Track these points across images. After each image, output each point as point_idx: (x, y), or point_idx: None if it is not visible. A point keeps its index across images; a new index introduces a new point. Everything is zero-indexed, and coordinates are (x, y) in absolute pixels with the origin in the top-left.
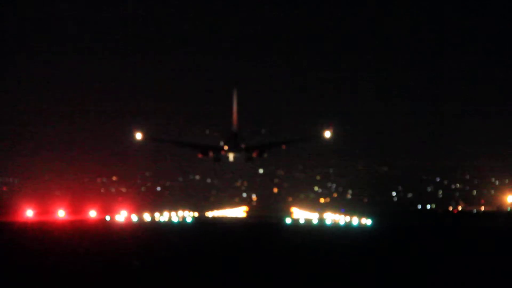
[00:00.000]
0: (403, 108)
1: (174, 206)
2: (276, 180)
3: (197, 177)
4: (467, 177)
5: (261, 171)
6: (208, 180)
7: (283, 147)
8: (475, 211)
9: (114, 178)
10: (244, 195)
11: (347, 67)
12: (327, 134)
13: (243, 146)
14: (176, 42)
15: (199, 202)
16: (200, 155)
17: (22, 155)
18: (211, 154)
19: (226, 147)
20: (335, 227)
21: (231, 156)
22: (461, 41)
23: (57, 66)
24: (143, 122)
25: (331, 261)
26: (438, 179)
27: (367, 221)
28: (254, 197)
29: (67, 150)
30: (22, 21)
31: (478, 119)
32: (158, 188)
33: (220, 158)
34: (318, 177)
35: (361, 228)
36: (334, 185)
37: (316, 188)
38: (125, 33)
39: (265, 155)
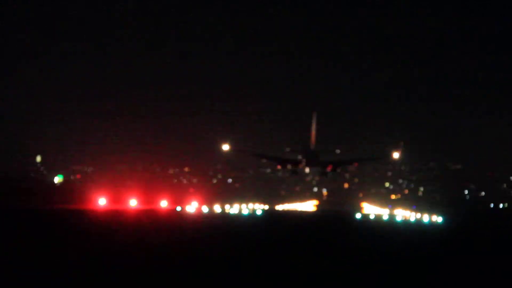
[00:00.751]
0: (477, 107)
1: (244, 198)
2: (347, 176)
3: (268, 170)
4: None
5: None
6: (279, 174)
7: (355, 164)
8: None
9: (186, 169)
10: (315, 189)
11: (411, 72)
12: (396, 155)
13: (319, 162)
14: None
15: (270, 195)
16: (279, 167)
17: (96, 144)
18: (289, 167)
19: (304, 162)
20: (406, 223)
21: (307, 170)
22: None
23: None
24: (221, 129)
25: (399, 257)
26: (511, 178)
27: (438, 219)
28: (324, 191)
29: (140, 141)
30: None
31: None
32: (229, 180)
33: (297, 171)
34: (389, 173)
35: (432, 225)
36: (405, 182)
37: (387, 184)
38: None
39: (338, 171)
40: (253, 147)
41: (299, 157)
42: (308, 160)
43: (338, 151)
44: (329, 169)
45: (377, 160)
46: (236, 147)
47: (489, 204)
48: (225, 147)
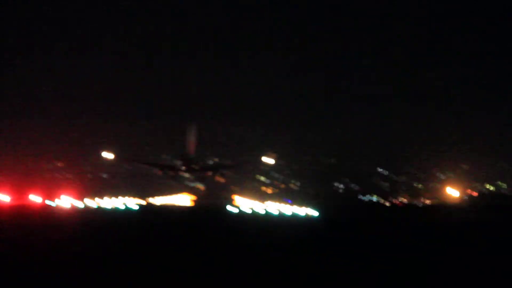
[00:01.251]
0: (350, 100)
1: (119, 192)
2: (224, 171)
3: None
4: (412, 170)
5: (211, 162)
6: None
7: (232, 170)
8: (420, 204)
9: (59, 164)
10: (192, 184)
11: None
12: (270, 160)
13: (197, 168)
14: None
15: (145, 189)
16: (159, 173)
17: None
18: (170, 173)
19: (183, 168)
20: (281, 217)
21: (186, 175)
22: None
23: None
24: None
25: (273, 250)
26: (383, 171)
27: (313, 212)
28: (201, 186)
29: (12, 135)
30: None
31: (423, 113)
32: (104, 175)
33: (177, 177)
34: (264, 167)
35: (307, 218)
36: (280, 176)
37: (262, 178)
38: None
39: (217, 175)
40: (132, 152)
41: (179, 163)
42: (187, 167)
43: (216, 159)
44: (207, 175)
45: (252, 164)
46: (120, 156)
47: (362, 197)
48: (109, 155)
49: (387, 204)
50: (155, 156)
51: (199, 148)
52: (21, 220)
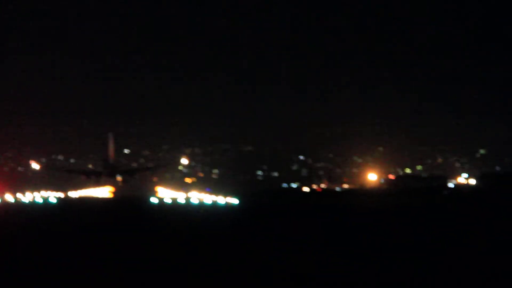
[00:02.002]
0: (268, 88)
1: (37, 186)
2: (142, 160)
3: (60, 157)
4: (331, 155)
5: (126, 151)
6: (72, 160)
7: (150, 171)
8: (338, 189)
9: None
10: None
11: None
12: (184, 161)
13: (116, 172)
14: None
15: (63, 182)
16: (83, 177)
17: None
18: (93, 177)
19: (105, 173)
20: (201, 205)
21: (108, 179)
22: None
23: None
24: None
25: (197, 240)
26: (302, 158)
27: (233, 200)
28: (119, 177)
29: None
30: None
31: (343, 97)
32: (20, 168)
33: (100, 180)
34: (184, 156)
35: (228, 207)
36: (199, 165)
37: (181, 168)
38: None
39: (135, 177)
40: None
41: (101, 169)
42: (108, 171)
43: (134, 164)
44: (127, 176)
45: (168, 166)
46: (46, 165)
47: (282, 184)
48: (35, 165)
49: (307, 189)
50: (78, 163)
51: (119, 154)
52: None
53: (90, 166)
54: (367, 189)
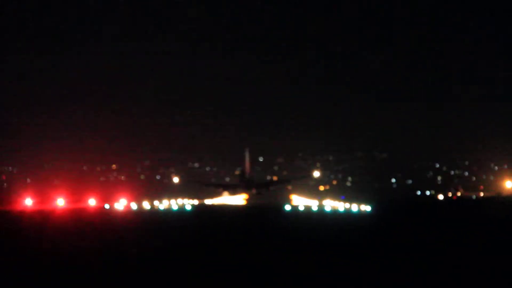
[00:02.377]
0: (402, 95)
1: (173, 194)
2: (275, 168)
3: (196, 165)
4: (466, 163)
5: (261, 159)
6: (207, 168)
7: (283, 185)
8: (474, 197)
9: (113, 167)
10: (238, 169)
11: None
12: (316, 173)
13: (253, 186)
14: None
15: (199, 190)
16: (221, 190)
17: (21, 144)
18: (230, 190)
19: (242, 186)
20: (335, 213)
21: (245, 192)
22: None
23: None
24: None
25: (331, 247)
26: (437, 165)
27: (367, 208)
28: (254, 190)
29: (66, 139)
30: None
31: (478, 105)
32: (158, 177)
33: (236, 192)
34: (318, 165)
35: (361, 214)
36: (333, 173)
37: (315, 176)
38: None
39: (272, 189)
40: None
41: (238, 182)
42: (244, 184)
43: (269, 177)
44: (262, 189)
45: (302, 179)
46: (187, 179)
47: (416, 192)
48: (176, 179)
49: (442, 197)
50: (217, 178)
51: (254, 168)
52: (77, 223)
53: (227, 179)
54: (503, 196)
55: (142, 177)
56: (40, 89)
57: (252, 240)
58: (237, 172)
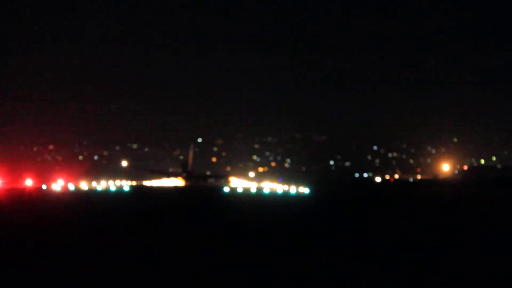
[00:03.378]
0: (341, 78)
1: (111, 175)
2: (215, 149)
3: (135, 146)
4: (404, 146)
5: (200, 140)
6: (146, 149)
7: (222, 179)
8: (411, 179)
9: (50, 147)
10: (181, 158)
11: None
12: (251, 174)
13: (193, 176)
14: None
15: (136, 172)
16: (163, 177)
17: None
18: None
19: (183, 175)
20: (273, 195)
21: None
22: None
23: None
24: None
25: (270, 229)
26: (375, 148)
27: (305, 190)
28: (186, 164)
29: (3, 119)
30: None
31: (414, 87)
32: (96, 157)
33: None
34: (256, 146)
35: (299, 196)
36: (272, 154)
37: (254, 157)
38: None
39: (209, 181)
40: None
41: (180, 172)
42: (186, 176)
43: (208, 172)
44: (201, 182)
45: (240, 174)
46: (134, 166)
47: (354, 174)
48: (124, 163)
49: (379, 179)
50: (156, 161)
51: (196, 160)
52: (14, 204)
53: (171, 169)
54: (440, 179)
55: (80, 157)
56: None
57: (191, 221)
58: (180, 158)
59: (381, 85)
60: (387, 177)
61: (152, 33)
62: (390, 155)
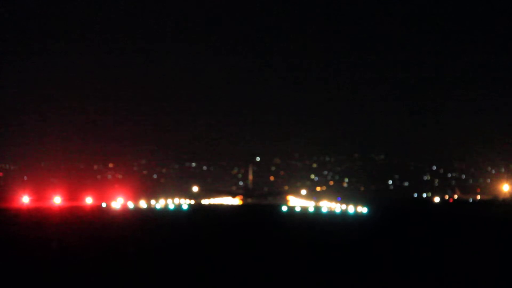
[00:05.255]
0: (401, 98)
1: (170, 193)
2: (273, 168)
3: (193, 164)
4: (464, 166)
5: (258, 159)
6: (204, 168)
7: (280, 195)
8: (471, 200)
9: (110, 165)
10: (241, 183)
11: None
12: (303, 192)
13: (253, 195)
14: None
15: (195, 190)
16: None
17: (18, 142)
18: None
19: (244, 194)
20: (331, 215)
21: (248, 200)
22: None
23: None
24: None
25: (327, 249)
26: (434, 168)
27: (363, 209)
28: (247, 184)
29: (64, 137)
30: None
31: (475, 109)
32: (155, 176)
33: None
34: (314, 165)
35: (357, 216)
36: (330, 174)
37: (312, 176)
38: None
39: (269, 199)
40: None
41: (241, 191)
42: (246, 193)
43: (266, 188)
44: (261, 199)
45: (295, 193)
46: (205, 189)
47: (413, 194)
48: (195, 188)
49: (438, 200)
50: (214, 178)
51: (254, 178)
52: (74, 221)
53: (233, 188)
54: (500, 200)
55: (139, 176)
56: (39, 88)
57: (250, 240)
58: (239, 176)
59: (443, 108)
60: (446, 197)
61: (220, 54)
62: (449, 175)
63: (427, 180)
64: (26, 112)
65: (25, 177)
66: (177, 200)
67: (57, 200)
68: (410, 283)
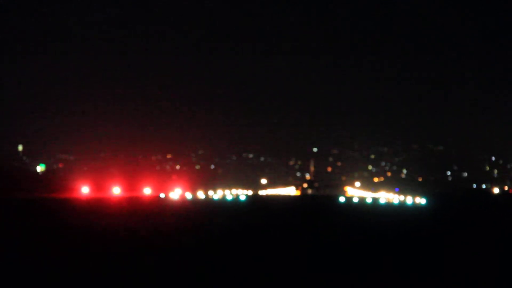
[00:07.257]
0: (458, 89)
1: (227, 184)
2: (330, 159)
3: (251, 155)
4: None
5: (315, 149)
6: (262, 159)
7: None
8: None
9: (168, 156)
10: (298, 174)
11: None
12: (360, 183)
13: (314, 187)
14: None
15: (253, 181)
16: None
17: (78, 133)
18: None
19: (306, 187)
20: (389, 206)
21: (309, 191)
22: None
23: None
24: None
25: (385, 240)
26: (493, 158)
27: (421, 200)
28: (307, 176)
29: (124, 128)
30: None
31: None
32: (212, 166)
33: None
34: (372, 156)
35: (415, 207)
36: (388, 164)
37: (370, 167)
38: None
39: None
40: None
41: (300, 182)
42: (308, 185)
43: (323, 179)
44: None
45: (346, 183)
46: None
47: (472, 185)
48: (264, 181)
49: (498, 191)
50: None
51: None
52: (133, 212)
53: (290, 179)
54: None
55: (197, 166)
56: (99, 84)
57: (308, 231)
58: (296, 168)
59: (501, 94)
60: (506, 188)
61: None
62: (508, 166)
63: (486, 170)
64: (86, 104)
65: (85, 168)
66: (234, 191)
67: (116, 190)
68: (477, 278)
